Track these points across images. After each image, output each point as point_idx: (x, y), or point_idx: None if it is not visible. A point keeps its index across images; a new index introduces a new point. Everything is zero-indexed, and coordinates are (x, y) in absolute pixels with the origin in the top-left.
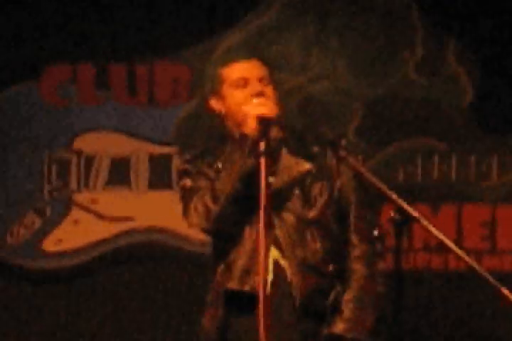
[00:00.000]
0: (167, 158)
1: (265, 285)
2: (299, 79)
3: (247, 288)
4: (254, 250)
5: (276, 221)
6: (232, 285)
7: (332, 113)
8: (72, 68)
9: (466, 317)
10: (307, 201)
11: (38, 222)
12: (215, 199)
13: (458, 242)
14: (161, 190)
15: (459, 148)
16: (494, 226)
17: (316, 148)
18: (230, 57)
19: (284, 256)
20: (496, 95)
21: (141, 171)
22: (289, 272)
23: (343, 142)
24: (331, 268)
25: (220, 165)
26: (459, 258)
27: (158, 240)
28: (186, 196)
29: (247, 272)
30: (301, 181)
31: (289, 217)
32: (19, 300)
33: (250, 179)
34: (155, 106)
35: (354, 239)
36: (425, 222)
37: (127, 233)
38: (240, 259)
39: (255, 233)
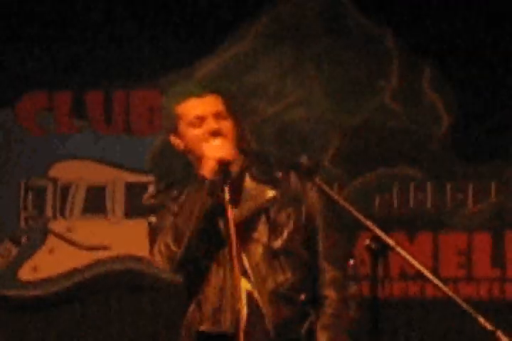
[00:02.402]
0: (143, 187)
1: (240, 320)
2: (275, 107)
3: (218, 328)
4: (223, 288)
5: (243, 252)
6: (204, 326)
7: (308, 141)
8: (49, 96)
9: None
10: (273, 230)
11: (13, 251)
12: (177, 241)
13: (434, 270)
14: (137, 219)
15: (435, 176)
16: (470, 253)
17: (279, 173)
18: (182, 93)
19: (254, 287)
20: (472, 123)
21: (117, 199)
22: (261, 303)
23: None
24: (303, 296)
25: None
26: (435, 286)
27: (135, 268)
28: (151, 235)
29: (218, 311)
30: (266, 209)
31: (256, 248)
32: None
33: (211, 218)
34: (131, 134)
35: (324, 264)
36: (401, 250)
37: (103, 261)
38: (209, 298)
39: (222, 270)
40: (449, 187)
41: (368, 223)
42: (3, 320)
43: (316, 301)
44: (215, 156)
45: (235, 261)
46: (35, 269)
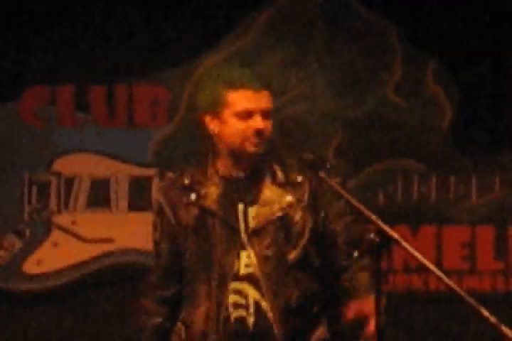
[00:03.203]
0: (147, 180)
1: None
2: (278, 101)
3: None
4: (211, 310)
5: (255, 260)
6: None
7: (311, 134)
8: (52, 90)
9: (447, 337)
10: (289, 240)
11: (18, 244)
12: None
13: (438, 263)
14: (140, 212)
15: (439, 170)
16: (474, 246)
17: (299, 177)
18: (234, 80)
19: (264, 297)
20: (475, 116)
21: (121, 193)
22: (270, 315)
23: (327, 164)
24: (315, 309)
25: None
26: (439, 279)
27: (138, 261)
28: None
29: (205, 334)
30: (282, 217)
31: (269, 258)
32: (0, 322)
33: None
34: (134, 127)
35: (344, 263)
36: (405, 243)
37: (107, 254)
38: (197, 321)
39: (212, 292)
40: (452, 180)
41: (372, 216)
42: (8, 313)
43: (327, 313)
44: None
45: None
46: (39, 262)
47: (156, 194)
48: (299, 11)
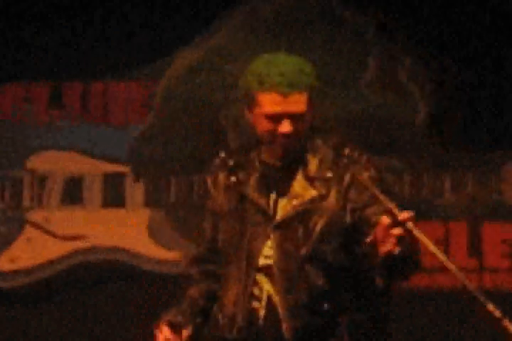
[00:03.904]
0: (120, 177)
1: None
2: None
3: (230, 336)
4: (240, 294)
5: (273, 253)
6: (219, 332)
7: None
8: (27, 87)
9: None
10: (305, 235)
11: None
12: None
13: None
14: (114, 209)
15: (412, 166)
16: (447, 243)
17: (329, 173)
18: (265, 80)
19: (276, 292)
20: (449, 113)
21: (95, 190)
22: (280, 310)
23: (363, 159)
24: (325, 306)
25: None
26: (449, 272)
27: (112, 259)
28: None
29: (233, 319)
30: (304, 212)
31: (286, 252)
32: None
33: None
34: (109, 124)
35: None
36: (419, 233)
37: (81, 251)
38: (227, 305)
39: (243, 276)
40: (426, 176)
41: (391, 205)
42: None
43: (343, 312)
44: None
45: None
46: (12, 260)
47: (208, 171)
48: (277, 7)
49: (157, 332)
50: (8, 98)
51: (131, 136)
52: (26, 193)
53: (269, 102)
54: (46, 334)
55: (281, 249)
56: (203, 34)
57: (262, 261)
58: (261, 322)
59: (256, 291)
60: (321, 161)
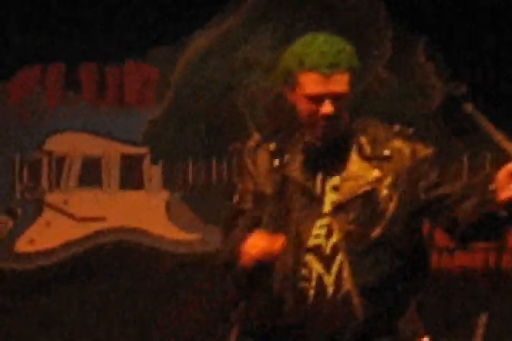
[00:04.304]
0: (138, 158)
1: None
2: (269, 81)
3: (278, 316)
4: (287, 275)
5: (337, 234)
6: (266, 313)
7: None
8: (42, 69)
9: None
10: (372, 216)
11: (10, 223)
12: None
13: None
14: (132, 190)
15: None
16: None
17: (387, 152)
18: (307, 60)
19: (328, 272)
20: (467, 94)
21: (113, 171)
22: (330, 290)
23: (396, 127)
24: (395, 288)
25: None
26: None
27: (130, 240)
28: (227, 220)
29: (281, 301)
30: (367, 192)
31: (351, 233)
32: None
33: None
34: (125, 106)
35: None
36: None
37: (99, 233)
38: (274, 287)
39: (291, 257)
40: (442, 160)
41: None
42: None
43: (406, 297)
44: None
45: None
46: (31, 242)
47: (242, 152)
48: None
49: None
50: (25, 81)
51: (147, 118)
52: (44, 175)
53: (310, 83)
54: (64, 316)
55: (344, 230)
56: (218, 16)
57: (311, 242)
58: (310, 302)
59: (304, 272)
60: (374, 140)
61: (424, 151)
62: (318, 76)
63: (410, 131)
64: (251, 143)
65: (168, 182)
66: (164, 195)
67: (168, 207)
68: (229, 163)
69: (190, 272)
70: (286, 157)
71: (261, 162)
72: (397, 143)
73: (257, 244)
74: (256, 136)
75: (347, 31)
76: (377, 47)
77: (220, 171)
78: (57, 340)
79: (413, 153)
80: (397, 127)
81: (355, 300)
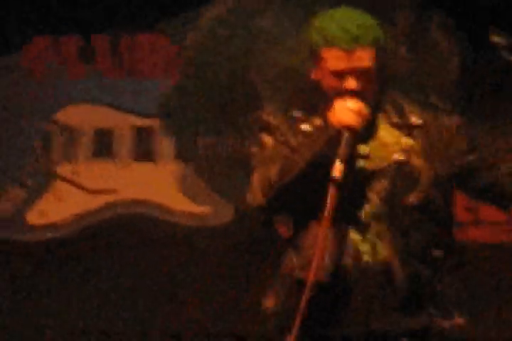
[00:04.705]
0: (150, 130)
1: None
2: (277, 50)
3: (317, 277)
4: (321, 239)
5: (364, 203)
6: (302, 274)
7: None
8: (55, 41)
9: None
10: (408, 183)
11: (21, 195)
12: (280, 175)
13: None
14: (144, 162)
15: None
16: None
17: (414, 118)
18: (329, 34)
19: (364, 239)
20: (481, 72)
21: (125, 143)
22: (392, 262)
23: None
24: (436, 253)
25: (305, 128)
26: None
27: (142, 212)
28: (258, 159)
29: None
30: (401, 160)
31: (387, 199)
32: (4, 273)
33: (322, 167)
34: (138, 78)
35: None
36: None
37: (111, 205)
38: (305, 248)
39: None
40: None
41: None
42: (11, 264)
43: (447, 262)
44: (343, 123)
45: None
46: (42, 213)
47: (263, 114)
48: None
49: None
50: (37, 52)
51: (160, 90)
52: (56, 147)
53: (333, 58)
54: (75, 287)
55: (379, 196)
56: None
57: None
58: (347, 269)
59: (340, 238)
60: (402, 110)
61: (450, 120)
62: (341, 51)
63: (436, 99)
64: (269, 107)
65: (180, 154)
66: (176, 167)
67: (179, 180)
68: (241, 136)
69: (202, 243)
70: (316, 122)
71: (284, 129)
72: (425, 113)
73: (345, 105)
74: (269, 108)
75: (358, 6)
76: (393, 23)
77: (232, 144)
78: (66, 313)
79: (440, 121)
80: (422, 96)
81: (395, 266)
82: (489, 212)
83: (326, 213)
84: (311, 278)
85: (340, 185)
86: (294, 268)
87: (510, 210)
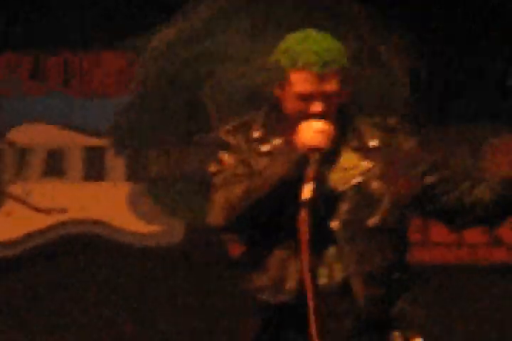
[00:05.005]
0: (101, 150)
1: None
2: (243, 70)
3: (279, 297)
4: (286, 259)
5: (335, 225)
6: (265, 295)
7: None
8: (8, 58)
9: None
10: (368, 206)
11: None
12: (244, 197)
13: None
14: (95, 182)
15: None
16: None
17: (371, 141)
18: (300, 52)
19: (345, 267)
20: (436, 88)
21: (75, 163)
22: (354, 284)
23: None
24: (396, 275)
25: (263, 148)
26: None
27: (92, 232)
28: (219, 179)
29: (280, 280)
30: (360, 183)
31: (349, 222)
32: None
33: (288, 189)
34: (90, 97)
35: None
36: None
37: (61, 225)
38: (270, 269)
39: (292, 241)
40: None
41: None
42: None
43: (407, 283)
44: (311, 144)
45: (304, 246)
46: None
47: (221, 133)
48: None
49: None
50: None
51: (112, 109)
52: (7, 166)
53: (299, 82)
54: (25, 306)
55: (344, 220)
56: (185, 7)
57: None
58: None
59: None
60: (361, 132)
61: (408, 142)
62: (310, 75)
63: (393, 121)
64: (227, 127)
65: (130, 174)
66: (126, 186)
67: (130, 199)
68: (192, 155)
69: (152, 263)
70: (276, 143)
71: (243, 145)
72: (382, 134)
73: (311, 126)
74: (232, 122)
75: (322, 22)
76: (349, 39)
77: (183, 163)
78: (21, 330)
79: (398, 143)
80: (379, 118)
81: (356, 287)
82: (439, 233)
83: (303, 237)
84: (310, 304)
85: (310, 207)
86: (256, 289)
87: (460, 231)
